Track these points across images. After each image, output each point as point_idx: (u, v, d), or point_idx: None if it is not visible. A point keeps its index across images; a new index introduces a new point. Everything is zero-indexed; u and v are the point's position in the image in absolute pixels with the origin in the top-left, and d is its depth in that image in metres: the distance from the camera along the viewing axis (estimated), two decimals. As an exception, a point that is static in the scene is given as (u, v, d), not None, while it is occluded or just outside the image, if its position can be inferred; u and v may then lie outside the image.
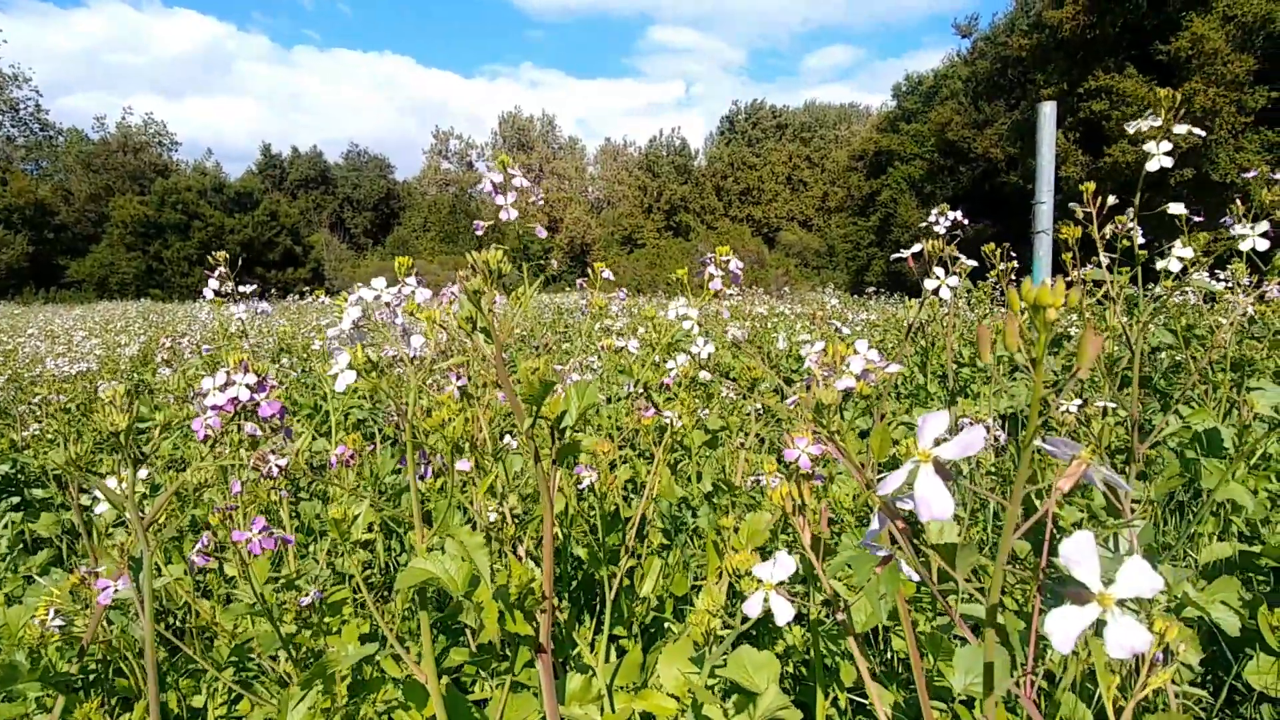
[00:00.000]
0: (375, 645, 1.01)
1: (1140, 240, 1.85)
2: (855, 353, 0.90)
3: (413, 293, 1.16)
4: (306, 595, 1.34)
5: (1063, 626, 0.43)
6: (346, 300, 0.97)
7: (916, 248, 1.05)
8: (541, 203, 1.53)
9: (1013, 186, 31.66)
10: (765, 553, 1.85)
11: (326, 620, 1.54)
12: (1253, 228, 1.29)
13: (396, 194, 68.44)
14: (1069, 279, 4.28)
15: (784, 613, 0.66)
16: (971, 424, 0.47)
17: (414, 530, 1.03)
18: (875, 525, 0.61)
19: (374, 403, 2.56)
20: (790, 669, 1.57)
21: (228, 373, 1.08)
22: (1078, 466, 0.49)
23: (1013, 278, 4.78)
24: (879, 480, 0.48)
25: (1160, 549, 1.63)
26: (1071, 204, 1.39)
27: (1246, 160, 24.47)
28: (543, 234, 1.40)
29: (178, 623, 1.90)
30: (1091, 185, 1.37)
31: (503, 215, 1.34)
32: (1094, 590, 0.43)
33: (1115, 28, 29.49)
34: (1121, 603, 0.41)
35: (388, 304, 1.01)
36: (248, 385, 1.07)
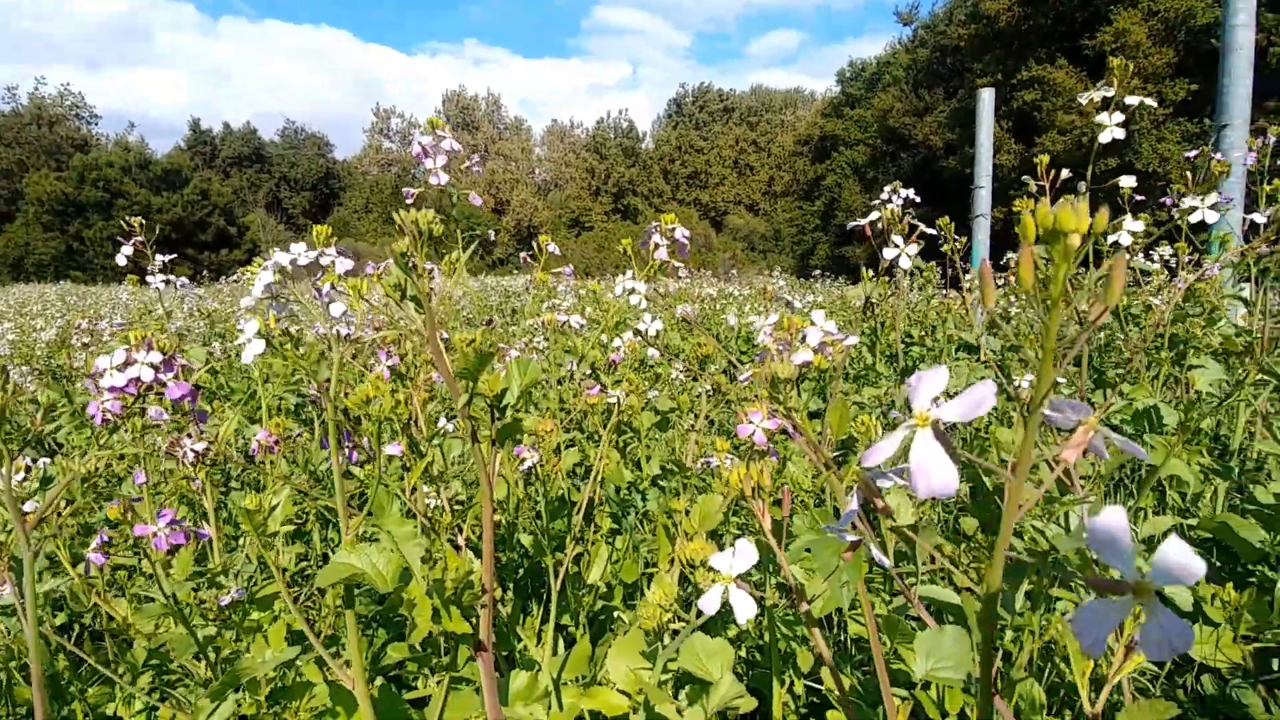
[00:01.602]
0: (296, 649, 0.92)
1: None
2: (812, 324, 0.85)
3: (332, 263, 1.06)
4: (228, 593, 1.23)
5: (1094, 627, 0.37)
6: (259, 266, 0.88)
7: (873, 215, 1.00)
8: (479, 171, 1.44)
9: (951, 172, 32.48)
10: (716, 536, 1.80)
11: (253, 618, 1.43)
12: (1203, 200, 1.29)
13: (336, 174, 66.25)
14: (1014, 255, 4.32)
15: (745, 609, 0.60)
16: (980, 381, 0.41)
17: (355, 518, 0.94)
18: (853, 505, 0.55)
19: (295, 382, 2.44)
20: (743, 653, 1.53)
21: (128, 350, 0.97)
22: (1084, 434, 0.44)
23: (959, 258, 4.84)
24: (866, 450, 0.42)
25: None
26: (1025, 177, 1.37)
27: (1167, 150, 25.61)
28: (477, 201, 1.32)
29: (92, 625, 1.76)
30: (1046, 158, 1.36)
31: (433, 180, 1.25)
32: (1130, 580, 0.37)
33: (1048, 19, 30.43)
34: (1159, 594, 0.37)
35: (307, 269, 0.92)
36: (151, 364, 0.97)
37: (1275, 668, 1.26)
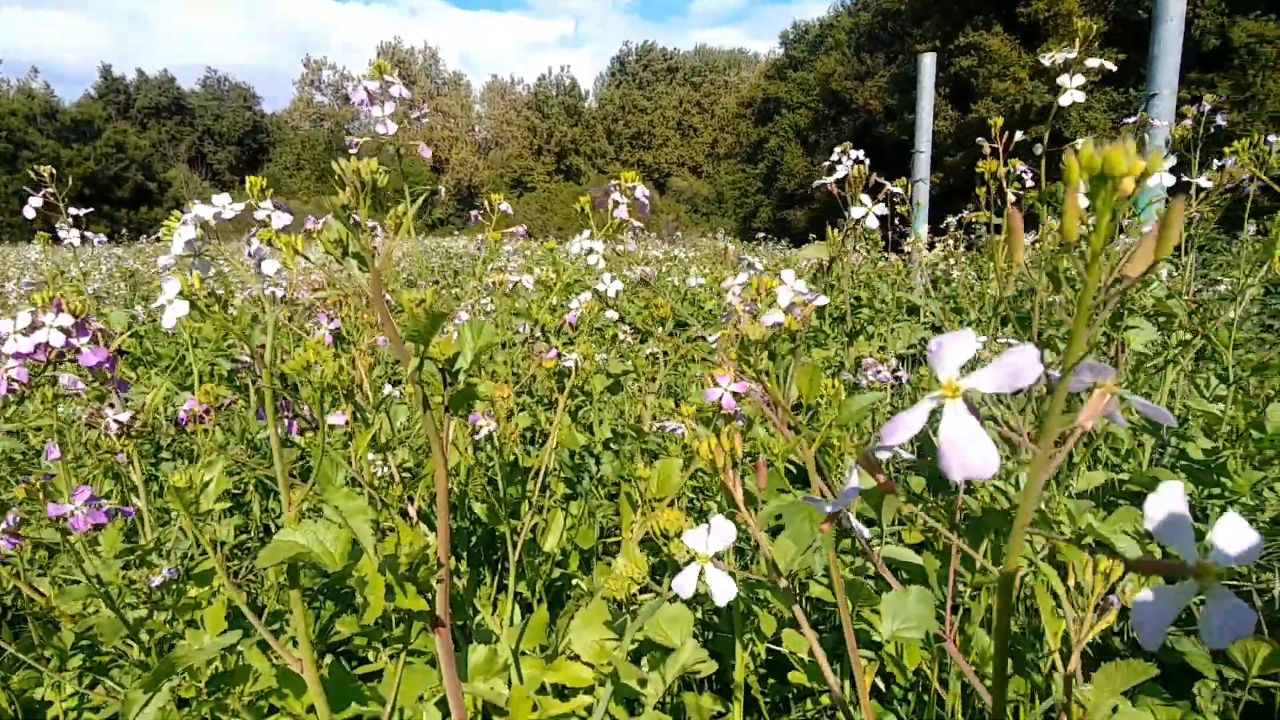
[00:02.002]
0: (237, 633, 0.86)
1: (1030, 183, 1.89)
2: (782, 283, 0.82)
3: (268, 217, 0.98)
4: (159, 573, 1.16)
5: (1156, 617, 0.34)
6: (178, 220, 0.79)
7: (840, 172, 0.97)
8: (426, 121, 1.35)
9: (890, 138, 32.92)
10: (673, 504, 1.78)
11: (190, 595, 1.35)
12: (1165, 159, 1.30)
13: (265, 128, 63.01)
14: (955, 219, 4.36)
15: (724, 590, 0.57)
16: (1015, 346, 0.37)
17: (299, 492, 0.88)
18: (852, 481, 0.53)
19: (229, 347, 2.30)
20: (700, 615, 1.53)
21: (34, 313, 0.88)
22: (1100, 398, 0.42)
23: (895, 221, 4.86)
24: (885, 426, 0.38)
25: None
26: (979, 139, 1.36)
27: (1094, 119, 26.47)
28: (426, 154, 1.23)
29: (15, 607, 1.64)
30: (999, 120, 1.35)
31: (379, 129, 1.16)
32: (1190, 561, 0.34)
33: (986, -15, 30.80)
34: (1220, 576, 0.33)
35: (238, 228, 0.84)
36: (61, 328, 0.87)
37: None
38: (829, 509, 0.56)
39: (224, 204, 0.83)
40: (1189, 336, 1.96)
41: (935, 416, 0.38)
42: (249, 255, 0.95)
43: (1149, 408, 0.43)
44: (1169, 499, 0.35)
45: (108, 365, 0.91)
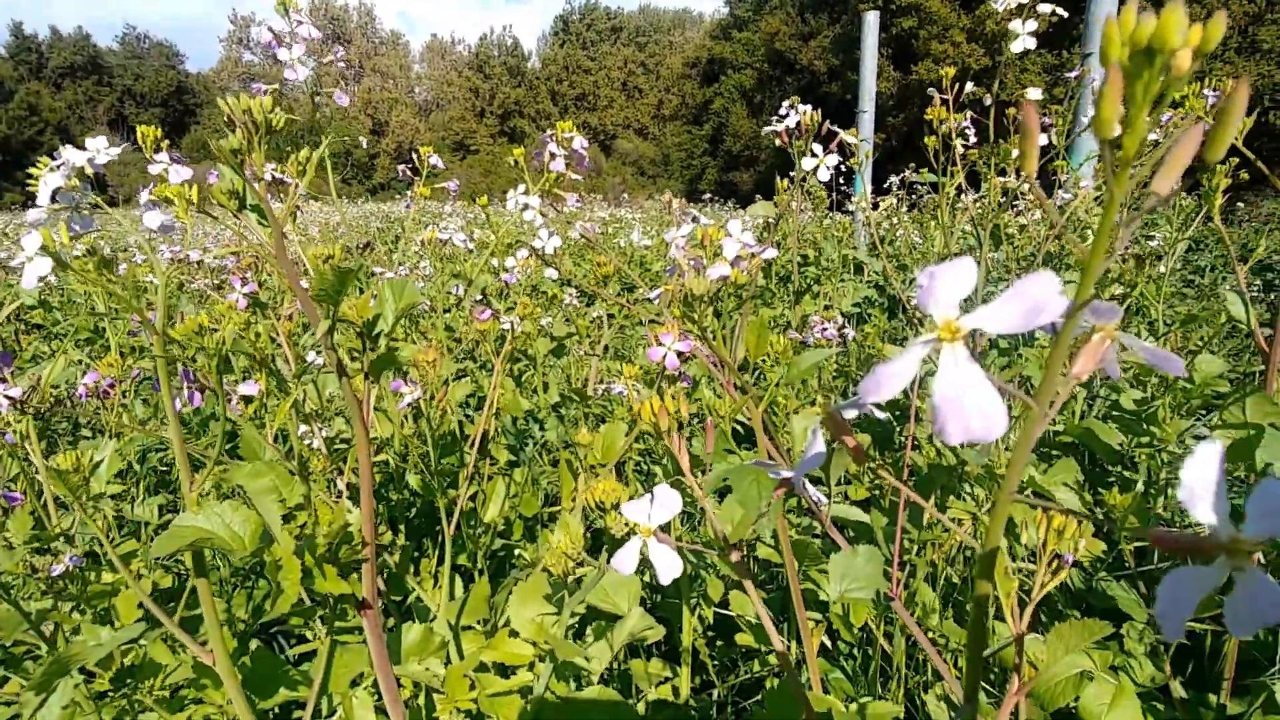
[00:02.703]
0: (141, 626, 0.79)
1: (972, 140, 1.88)
2: (728, 235, 0.78)
3: (164, 171, 0.88)
4: (61, 562, 1.07)
5: (1181, 603, 0.29)
6: (45, 166, 0.69)
7: (792, 120, 0.93)
8: (344, 64, 1.25)
9: (834, 98, 33.00)
10: (618, 466, 1.75)
11: (102, 582, 1.26)
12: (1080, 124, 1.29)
13: (190, 88, 59.61)
14: (898, 179, 4.39)
15: (669, 567, 0.52)
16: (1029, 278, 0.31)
17: (204, 470, 0.80)
18: (817, 445, 0.48)
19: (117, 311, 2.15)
20: (648, 578, 1.51)
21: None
22: (1099, 343, 0.39)
23: (840, 182, 4.87)
24: (869, 378, 0.32)
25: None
26: (930, 89, 1.33)
27: (1030, 80, 27.01)
28: (343, 101, 1.14)
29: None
30: (950, 70, 1.32)
31: (288, 75, 1.06)
32: (1224, 537, 0.28)
33: (927, -55, 30.88)
34: (1250, 552, 0.28)
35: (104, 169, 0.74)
36: (-82, 295, 0.77)
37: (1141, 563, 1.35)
38: (784, 474, 0.52)
39: (99, 148, 0.73)
40: (1121, 291, 1.99)
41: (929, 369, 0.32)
42: (142, 209, 0.86)
43: (1157, 355, 0.39)
44: (1207, 465, 0.29)
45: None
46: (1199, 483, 0.29)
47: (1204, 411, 2.06)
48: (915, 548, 1.20)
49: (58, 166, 0.69)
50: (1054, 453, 1.95)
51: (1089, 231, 2.08)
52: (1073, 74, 1.98)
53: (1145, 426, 1.73)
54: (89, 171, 0.71)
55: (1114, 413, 1.79)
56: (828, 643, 1.26)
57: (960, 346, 0.32)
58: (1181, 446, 1.70)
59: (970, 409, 0.31)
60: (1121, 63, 0.29)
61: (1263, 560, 1.40)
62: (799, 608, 0.82)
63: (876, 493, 1.43)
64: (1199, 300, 3.98)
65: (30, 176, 0.68)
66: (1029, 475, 1.12)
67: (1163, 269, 2.17)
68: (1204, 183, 1.35)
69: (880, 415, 0.48)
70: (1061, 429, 1.93)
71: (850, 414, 0.46)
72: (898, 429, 1.55)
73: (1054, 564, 0.57)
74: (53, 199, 0.68)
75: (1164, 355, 0.39)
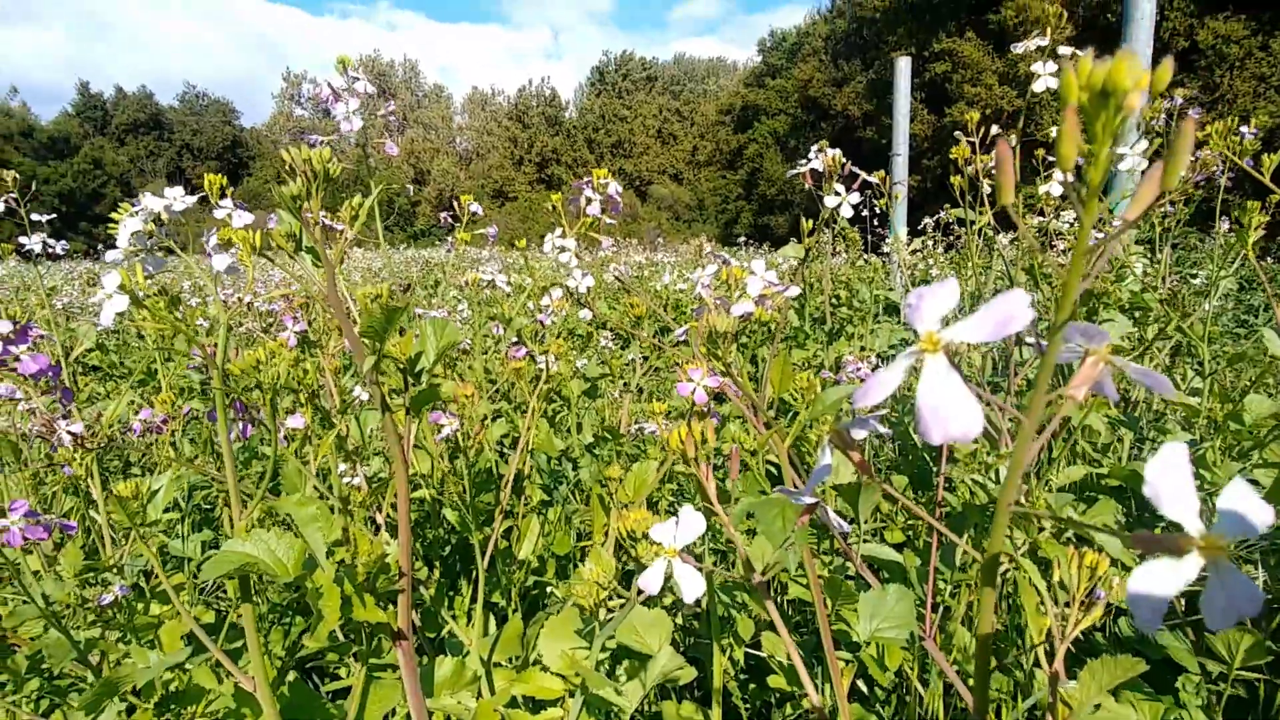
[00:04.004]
0: (186, 651, 0.82)
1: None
2: (752, 274, 0.80)
3: (228, 216, 0.94)
4: (110, 592, 1.11)
5: (1151, 596, 0.30)
6: (126, 211, 0.75)
7: (815, 163, 0.95)
8: (393, 118, 1.32)
9: (869, 142, 33.23)
10: (651, 504, 1.75)
11: (151, 614, 1.30)
12: (1132, 147, 1.30)
13: (244, 142, 62.58)
14: (932, 220, 4.38)
15: (693, 585, 0.54)
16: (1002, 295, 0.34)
17: (253, 500, 0.84)
18: (824, 459, 0.49)
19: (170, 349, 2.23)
20: (680, 620, 1.50)
21: (-31, 320, 0.83)
22: (1092, 367, 0.40)
23: (875, 224, 4.88)
24: (860, 389, 0.35)
25: (1027, 475, 1.69)
26: (956, 132, 1.35)
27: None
28: (393, 150, 1.20)
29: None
30: (975, 114, 1.34)
31: (343, 126, 1.13)
32: (1194, 534, 0.30)
33: (958, -8, 31.27)
34: (1225, 550, 0.30)
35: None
36: (-1, 334, 0.83)
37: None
38: (806, 500, 0.53)
39: (176, 196, 0.79)
40: (1165, 327, 1.96)
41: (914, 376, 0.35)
42: (207, 252, 0.92)
43: (1146, 375, 0.40)
44: (1172, 462, 0.32)
45: (50, 374, 0.87)
46: (1165, 481, 0.31)
47: (1254, 454, 1.99)
48: (950, 589, 1.18)
49: (137, 212, 0.75)
50: (1099, 496, 1.90)
51: (1124, 270, 2.06)
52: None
53: (1195, 470, 1.68)
54: (164, 218, 0.77)
55: (1159, 455, 1.74)
56: (863, 687, 1.24)
57: (941, 357, 0.35)
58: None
59: (949, 413, 0.33)
60: (1081, 103, 0.32)
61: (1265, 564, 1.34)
62: (828, 647, 0.81)
63: (911, 534, 1.41)
64: (1250, 339, 3.87)
65: (111, 221, 0.74)
66: (1068, 514, 1.10)
67: (1207, 306, 2.13)
68: (1242, 220, 1.34)
69: (883, 430, 0.48)
70: (1107, 471, 1.89)
71: (858, 433, 0.47)
72: (934, 470, 1.53)
73: (1088, 603, 0.56)
74: (130, 242, 0.74)
75: (1153, 376, 0.40)
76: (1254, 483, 1.72)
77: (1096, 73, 0.31)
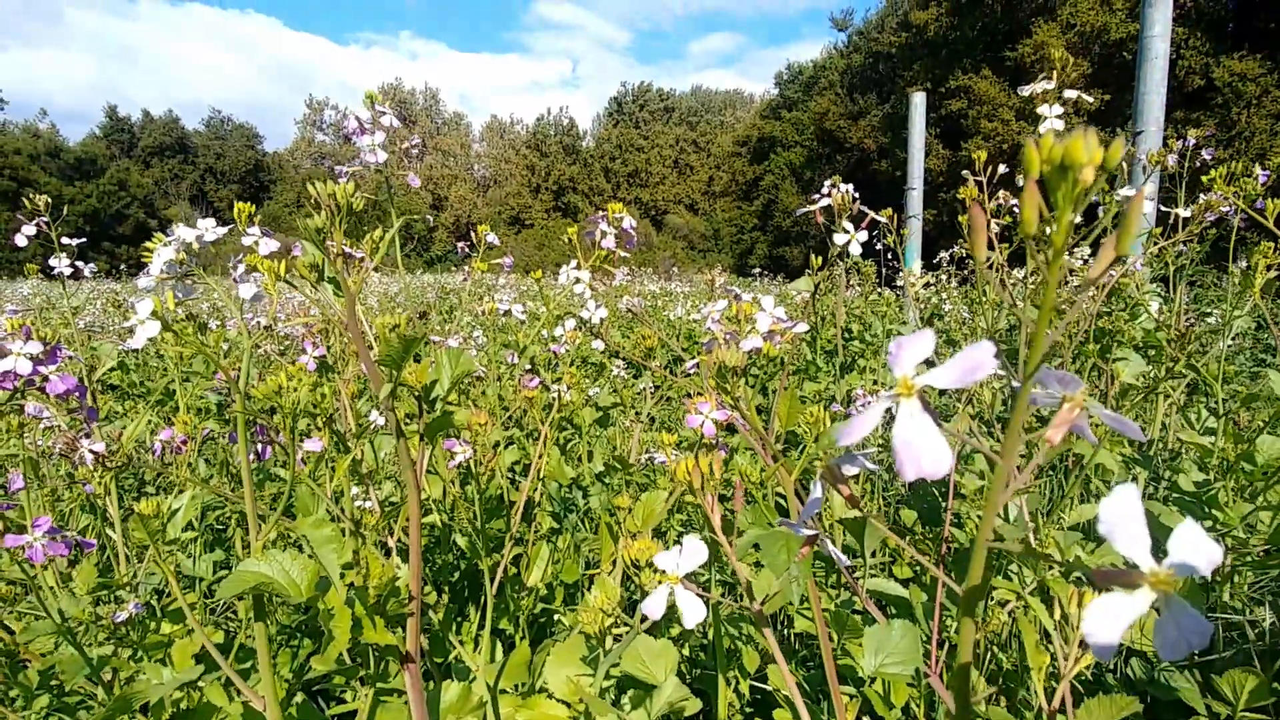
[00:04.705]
0: (198, 669, 0.84)
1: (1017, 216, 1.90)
2: (761, 310, 0.82)
3: (255, 243, 0.97)
4: (125, 609, 1.13)
5: (1106, 625, 0.32)
6: (159, 241, 0.78)
7: (824, 201, 0.98)
8: (417, 151, 1.36)
9: (884, 175, 33.42)
10: (660, 535, 1.76)
11: (162, 633, 1.32)
12: (1139, 188, 1.31)
13: (266, 166, 63.88)
14: (947, 255, 4.40)
15: (694, 611, 0.55)
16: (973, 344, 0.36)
17: (269, 521, 0.86)
18: (816, 493, 0.51)
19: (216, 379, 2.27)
20: (686, 652, 1.50)
21: (1, 341, 0.87)
22: (1069, 411, 0.41)
23: (891, 257, 4.90)
24: (842, 427, 0.37)
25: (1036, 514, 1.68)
26: (964, 171, 1.38)
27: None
28: (415, 183, 1.24)
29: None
30: (983, 154, 1.36)
31: (368, 158, 1.17)
32: (1144, 568, 0.33)
33: (973, 30, 31.63)
34: (1173, 586, 0.32)
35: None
36: (29, 355, 0.86)
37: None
38: (807, 532, 0.54)
39: (208, 227, 0.83)
40: (1173, 365, 1.96)
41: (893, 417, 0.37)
42: (234, 279, 0.95)
43: (1116, 420, 0.42)
44: (1123, 502, 0.34)
45: (77, 394, 0.90)
46: (1118, 519, 0.33)
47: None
48: (956, 626, 1.17)
49: (170, 242, 0.78)
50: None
51: (1138, 309, 2.06)
52: (1127, 147, 2.00)
53: (1206, 510, 1.67)
54: (195, 247, 0.80)
55: (1173, 494, 1.73)
56: (870, 724, 1.22)
57: (915, 401, 0.37)
58: (1248, 530, 1.63)
59: (922, 452, 0.36)
60: (1042, 175, 0.35)
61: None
62: (833, 682, 0.81)
63: (918, 568, 1.40)
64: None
65: (135, 243, 0.77)
66: (1075, 555, 1.10)
67: (1221, 345, 2.12)
68: (1249, 262, 1.34)
69: (871, 467, 0.50)
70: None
71: (849, 469, 0.49)
72: (943, 505, 1.53)
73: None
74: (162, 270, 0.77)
75: (1123, 421, 0.42)
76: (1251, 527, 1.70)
77: (1056, 149, 0.34)
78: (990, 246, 1.78)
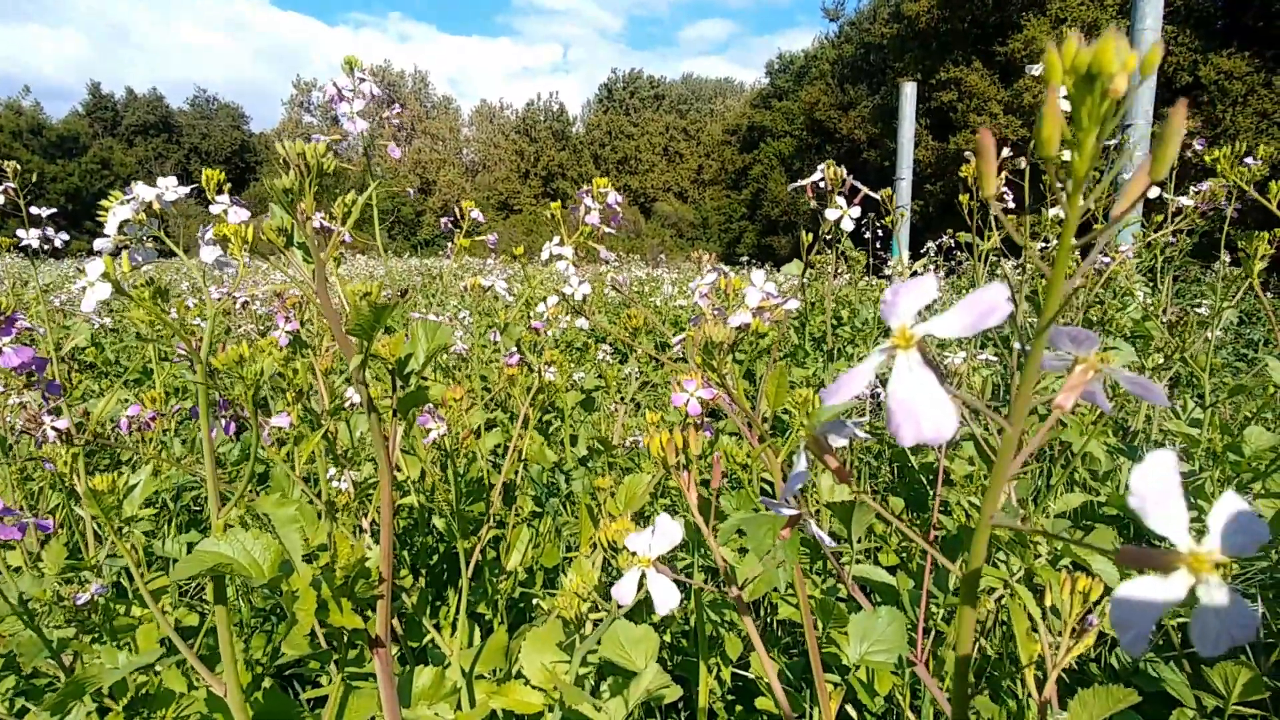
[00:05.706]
0: (158, 651, 0.80)
1: (1010, 205, 1.89)
2: (750, 284, 0.79)
3: (224, 211, 0.93)
4: (87, 590, 1.09)
5: (1138, 615, 0.28)
6: (116, 199, 0.74)
7: (817, 175, 0.95)
8: (398, 122, 1.32)
9: (873, 166, 33.41)
10: (643, 518, 1.74)
11: (131, 615, 1.28)
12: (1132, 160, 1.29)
13: (252, 147, 62.99)
14: (935, 244, 4.39)
15: (666, 597, 0.51)
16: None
17: (232, 499, 0.82)
18: (800, 465, 0.48)
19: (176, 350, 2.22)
20: (668, 638, 1.48)
21: (-49, 308, 0.82)
22: (1082, 375, 0.38)
23: (877, 246, 4.89)
24: (830, 385, 0.33)
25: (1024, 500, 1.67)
26: (966, 153, 1.35)
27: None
28: (396, 153, 1.20)
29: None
30: (975, 143, 1.34)
31: (347, 127, 1.12)
32: (1183, 548, 0.28)
33: (964, 23, 31.61)
34: (1218, 566, 0.28)
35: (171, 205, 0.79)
36: (-19, 323, 0.82)
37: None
38: (790, 511, 0.51)
39: (168, 185, 0.78)
40: (1164, 356, 1.95)
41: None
42: (201, 245, 0.91)
43: (1139, 383, 0.38)
44: (1159, 471, 0.29)
45: (35, 367, 0.85)
46: (1152, 492, 0.29)
47: (1255, 485, 1.97)
48: (944, 613, 1.16)
49: (128, 200, 0.73)
50: (1096, 524, 1.88)
51: (1128, 298, 2.05)
52: (1112, 143, 1.99)
53: (1193, 500, 1.67)
54: (156, 208, 0.75)
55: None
56: (852, 712, 1.21)
57: (914, 353, 0.33)
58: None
59: (922, 412, 0.31)
60: (1066, 88, 0.31)
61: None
62: (817, 670, 0.79)
63: (905, 556, 1.38)
64: (1250, 373, 3.86)
65: (101, 209, 0.73)
66: (1063, 545, 1.08)
67: (1209, 336, 2.12)
68: (1245, 250, 1.33)
69: (861, 435, 0.47)
70: (1105, 499, 1.87)
71: (836, 439, 0.46)
72: (930, 492, 1.52)
73: (1080, 630, 0.54)
74: (120, 231, 0.72)
75: (1146, 385, 0.38)
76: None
77: (1082, 55, 0.30)
78: (979, 235, 1.76)
